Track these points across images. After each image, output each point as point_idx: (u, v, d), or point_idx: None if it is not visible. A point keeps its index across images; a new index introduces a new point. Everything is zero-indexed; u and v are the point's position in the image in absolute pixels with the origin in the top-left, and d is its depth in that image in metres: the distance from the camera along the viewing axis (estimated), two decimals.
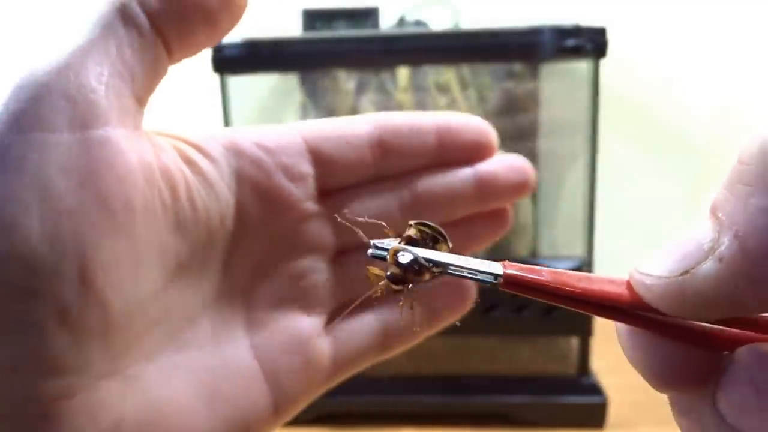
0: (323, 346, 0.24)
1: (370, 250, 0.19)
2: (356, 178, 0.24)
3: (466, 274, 0.18)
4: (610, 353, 0.64)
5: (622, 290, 0.16)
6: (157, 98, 0.72)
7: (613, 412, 0.56)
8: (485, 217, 0.26)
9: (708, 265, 0.13)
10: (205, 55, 0.53)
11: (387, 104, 0.74)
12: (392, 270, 0.18)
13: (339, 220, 0.22)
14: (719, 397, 0.15)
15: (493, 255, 0.67)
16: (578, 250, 0.56)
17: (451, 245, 0.20)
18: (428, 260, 0.18)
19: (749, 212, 0.12)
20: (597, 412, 0.56)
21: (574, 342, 0.58)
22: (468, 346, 0.61)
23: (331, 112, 0.76)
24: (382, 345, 0.26)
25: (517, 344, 0.61)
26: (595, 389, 0.56)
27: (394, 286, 0.19)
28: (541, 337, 0.60)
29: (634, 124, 0.75)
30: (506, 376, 0.59)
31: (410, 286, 0.19)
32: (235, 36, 0.54)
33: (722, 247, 0.13)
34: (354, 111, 0.75)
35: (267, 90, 0.78)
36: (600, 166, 0.54)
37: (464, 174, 0.25)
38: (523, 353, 0.60)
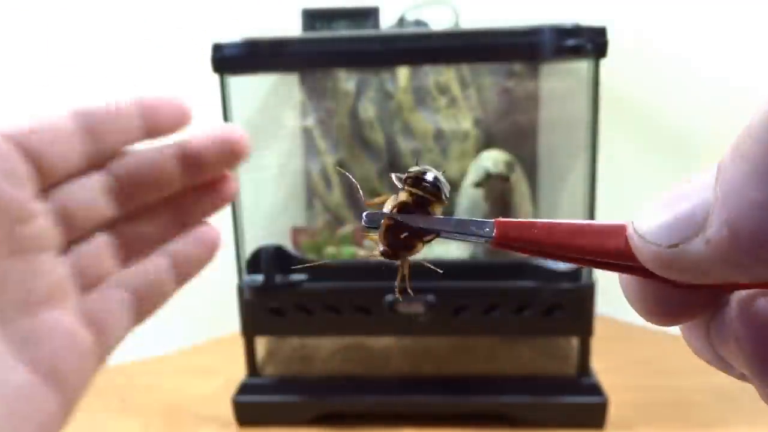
0: (86, 333, 0.24)
1: (363, 222, 0.19)
2: (73, 169, 0.24)
3: (458, 236, 0.18)
4: (610, 353, 0.65)
5: (617, 243, 0.16)
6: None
7: (613, 412, 0.56)
8: (204, 189, 0.27)
9: (696, 245, 0.13)
10: (205, 55, 0.53)
11: (387, 104, 0.74)
12: (384, 248, 0.19)
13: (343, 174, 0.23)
14: (711, 328, 0.16)
15: (494, 256, 0.67)
16: None
17: (447, 200, 0.19)
18: (420, 229, 0.18)
19: (743, 201, 0.12)
20: (597, 412, 0.56)
21: (574, 342, 0.58)
22: (468, 346, 0.61)
23: (331, 112, 0.76)
24: (138, 315, 0.27)
25: (517, 344, 0.61)
26: (595, 389, 0.56)
27: (388, 260, 0.19)
28: (541, 337, 0.60)
29: (634, 123, 0.75)
30: (506, 376, 0.59)
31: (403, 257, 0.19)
32: (235, 36, 0.54)
33: (712, 229, 0.13)
34: (354, 111, 0.75)
35: (267, 90, 0.78)
36: (600, 166, 0.54)
37: (167, 149, 0.25)
38: (523, 353, 0.60)
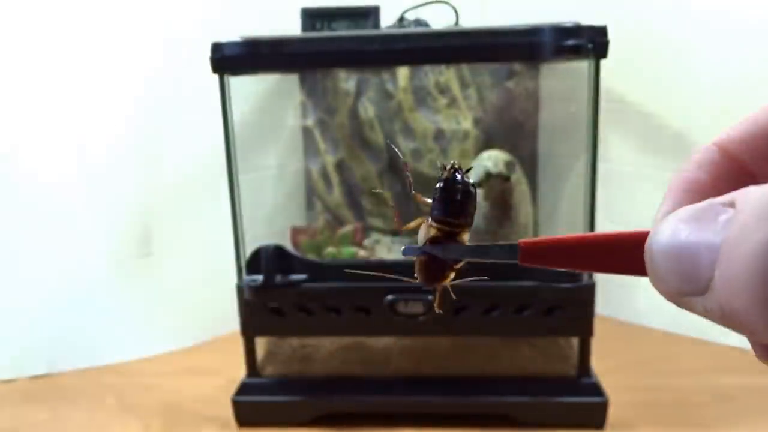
0: None
1: (402, 254, 0.22)
2: None
3: (485, 260, 0.20)
4: (610, 353, 0.64)
5: (635, 261, 0.16)
6: (158, 99, 0.72)
7: (613, 412, 0.56)
8: None
9: (698, 305, 0.15)
10: (205, 55, 0.53)
11: (387, 104, 0.74)
12: (422, 279, 0.22)
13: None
14: None
15: None
16: None
17: (470, 227, 0.22)
18: (451, 260, 0.21)
19: (736, 302, 0.13)
20: (597, 412, 0.56)
21: (574, 342, 0.58)
22: (468, 346, 0.61)
23: (331, 112, 0.76)
24: None
25: (517, 344, 0.61)
26: (595, 389, 0.56)
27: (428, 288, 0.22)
28: (541, 337, 0.60)
29: (634, 123, 0.74)
30: (506, 376, 0.59)
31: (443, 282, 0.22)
32: (234, 36, 0.54)
33: (710, 303, 0.14)
34: (354, 111, 0.75)
35: (267, 90, 0.78)
36: (600, 166, 0.54)
37: None
38: (523, 353, 0.60)
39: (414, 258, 0.22)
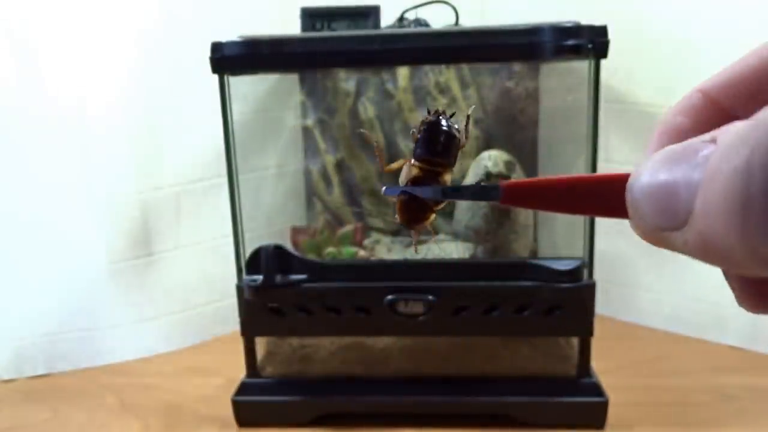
0: None
1: (383, 194, 0.21)
2: None
3: (468, 198, 0.20)
4: (610, 353, 0.64)
5: (618, 202, 0.16)
6: (158, 99, 0.72)
7: (613, 412, 0.56)
8: None
9: (677, 238, 0.14)
10: (205, 55, 0.53)
11: (387, 104, 0.74)
12: (402, 220, 0.22)
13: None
14: None
15: (494, 256, 0.67)
16: (578, 251, 0.56)
17: (452, 168, 0.22)
18: (431, 200, 0.21)
19: (715, 228, 0.13)
20: (597, 412, 0.56)
21: (574, 342, 0.58)
22: (468, 346, 0.61)
23: (331, 112, 0.76)
24: None
25: (517, 344, 0.61)
26: (596, 389, 0.56)
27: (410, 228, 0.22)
28: (541, 337, 0.60)
29: (634, 124, 0.74)
30: (506, 376, 0.59)
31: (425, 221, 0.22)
32: (234, 35, 0.54)
33: (689, 234, 0.14)
34: (354, 111, 0.75)
35: (267, 90, 0.78)
36: (600, 166, 0.54)
37: None
38: (523, 353, 0.60)
39: (395, 198, 0.22)
